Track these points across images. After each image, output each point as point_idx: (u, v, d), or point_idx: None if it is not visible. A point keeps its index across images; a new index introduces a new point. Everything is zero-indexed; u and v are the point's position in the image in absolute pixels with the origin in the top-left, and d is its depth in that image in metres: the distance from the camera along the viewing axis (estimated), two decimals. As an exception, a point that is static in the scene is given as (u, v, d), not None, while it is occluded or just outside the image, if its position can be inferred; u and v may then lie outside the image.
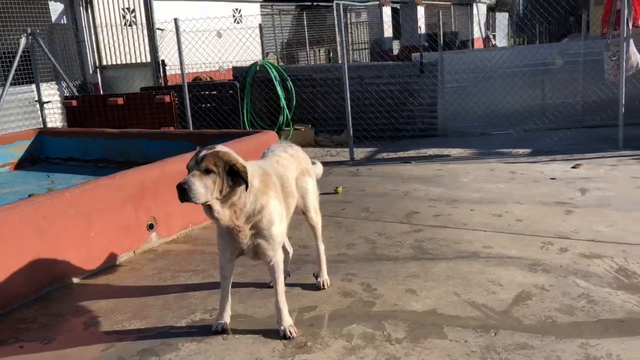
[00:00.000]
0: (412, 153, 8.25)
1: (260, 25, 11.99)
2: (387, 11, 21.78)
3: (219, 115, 9.53)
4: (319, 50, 22.27)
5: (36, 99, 9.62)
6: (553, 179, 6.39)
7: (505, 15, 34.61)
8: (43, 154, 8.65)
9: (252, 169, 3.18)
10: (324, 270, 4.03)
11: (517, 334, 3.20)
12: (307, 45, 19.10)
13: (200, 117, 9.59)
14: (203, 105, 9.59)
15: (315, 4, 22.29)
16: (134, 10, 11.38)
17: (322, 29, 21.08)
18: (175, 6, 12.55)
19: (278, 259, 3.35)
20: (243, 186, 3.05)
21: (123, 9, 11.46)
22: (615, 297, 3.55)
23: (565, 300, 3.55)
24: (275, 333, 3.36)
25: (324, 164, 7.87)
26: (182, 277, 4.38)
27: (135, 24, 11.30)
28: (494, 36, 31.54)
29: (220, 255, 3.42)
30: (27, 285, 4.06)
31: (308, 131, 9.71)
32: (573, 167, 6.77)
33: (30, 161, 8.53)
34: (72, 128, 8.87)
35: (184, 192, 2.92)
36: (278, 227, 3.31)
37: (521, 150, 7.85)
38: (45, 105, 9.64)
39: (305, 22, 19.98)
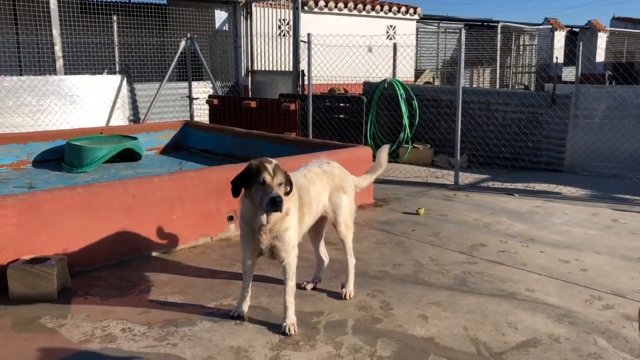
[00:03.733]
0: (520, 185, 7.98)
1: (395, 45, 12.20)
2: (559, 36, 20.61)
3: (343, 126, 10.02)
4: (483, 70, 21.84)
5: (188, 94, 10.99)
6: (654, 233, 5.85)
7: None
8: (185, 143, 9.88)
9: None
10: (351, 282, 4.29)
11: (497, 377, 3.19)
12: (461, 64, 18.81)
13: (326, 126, 10.16)
14: (330, 116, 10.14)
15: (484, 24, 21.90)
16: (289, 22, 12.35)
17: (485, 49, 20.64)
18: (330, 20, 13.36)
19: (290, 261, 3.70)
20: None
21: (279, 20, 12.50)
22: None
23: (571, 356, 3.42)
24: (280, 328, 3.72)
25: (426, 184, 8.07)
26: (237, 265, 4.90)
27: (289, 34, 12.24)
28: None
29: (243, 253, 3.82)
30: (110, 251, 4.87)
31: (426, 150, 9.79)
32: (688, 225, 6.10)
33: (174, 148, 9.80)
34: (210, 123, 9.99)
35: (278, 205, 3.28)
36: (293, 232, 3.68)
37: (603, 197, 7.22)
38: (194, 101, 10.97)
39: (462, 41, 19.70)
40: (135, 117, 11.18)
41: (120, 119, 10.95)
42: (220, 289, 4.41)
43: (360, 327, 3.77)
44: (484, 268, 4.87)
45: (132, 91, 11.18)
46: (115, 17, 10.79)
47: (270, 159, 3.49)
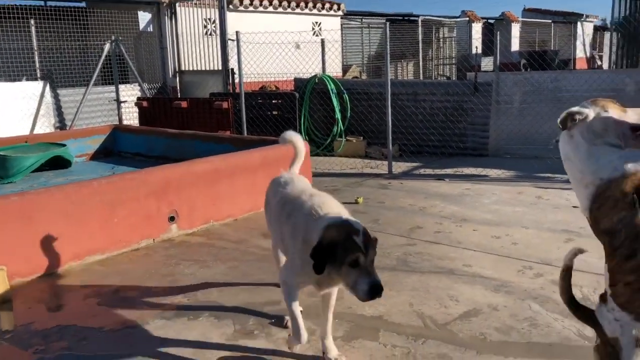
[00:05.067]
0: (449, 171, 8.36)
1: (323, 40, 12.42)
2: (476, 27, 21.52)
3: (277, 123, 10.11)
4: (407, 63, 22.47)
5: (115, 98, 10.75)
6: (575, 207, 6.30)
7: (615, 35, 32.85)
8: (116, 148, 9.66)
9: None
10: None
11: (444, 345, 3.40)
12: (388, 58, 19.29)
13: (260, 123, 10.21)
14: (263, 113, 10.20)
15: (405, 18, 22.51)
16: (214, 21, 12.29)
17: (411, 43, 21.23)
18: (256, 18, 13.39)
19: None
20: None
21: (205, 19, 12.42)
22: (559, 323, 3.63)
23: (509, 321, 3.68)
24: (231, 320, 3.78)
25: (362, 175, 8.30)
26: (182, 264, 4.92)
27: (215, 34, 12.19)
28: (601, 57, 30.08)
29: (294, 288, 3.10)
30: (51, 259, 4.75)
31: (360, 143, 10.04)
32: (603, 197, 6.61)
33: (104, 153, 9.57)
34: (140, 126, 9.82)
35: (380, 294, 2.62)
36: None
37: (560, 176, 7.72)
38: (122, 105, 10.75)
39: (387, 36, 20.23)
40: (61, 124, 10.80)
41: (46, 126, 10.55)
42: (169, 287, 4.42)
43: (312, 312, 3.88)
44: (422, 248, 5.12)
45: (56, 97, 10.80)
46: (32, 21, 10.38)
47: (356, 223, 2.76)
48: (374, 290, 2.58)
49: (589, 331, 3.52)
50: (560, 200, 6.59)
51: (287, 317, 3.48)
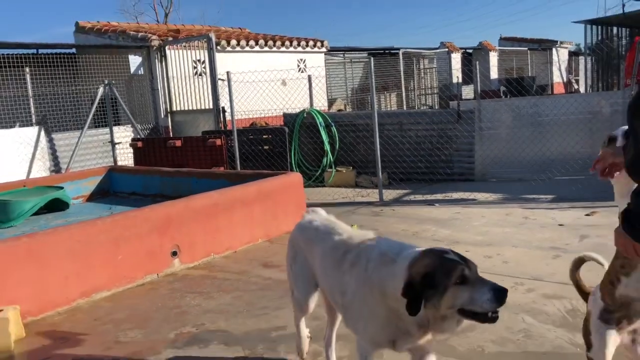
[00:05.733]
0: (439, 196, 8.63)
1: (309, 77, 12.81)
2: (456, 57, 22.16)
3: (269, 157, 10.38)
4: (390, 95, 23.00)
5: (109, 140, 10.99)
6: (561, 225, 6.58)
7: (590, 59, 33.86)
8: (112, 189, 9.85)
9: None
10: None
11: (444, 359, 3.59)
12: (373, 90, 19.80)
13: (253, 158, 10.48)
14: (255, 148, 10.47)
15: (387, 52, 23.12)
16: (204, 62, 12.64)
17: (392, 74, 21.78)
18: (243, 57, 13.78)
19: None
20: None
21: (194, 61, 12.78)
22: (552, 333, 3.85)
23: (504, 334, 3.89)
24: (240, 346, 3.95)
25: (354, 204, 8.54)
26: (188, 297, 5.08)
27: (205, 74, 12.53)
28: (577, 80, 30.94)
29: (374, 346, 2.71)
30: (60, 296, 4.91)
31: (349, 173, 10.32)
32: (587, 215, 6.91)
33: (101, 194, 9.74)
34: (136, 166, 10.04)
35: (506, 293, 2.29)
36: None
37: (545, 197, 8.02)
38: (117, 146, 10.99)
39: (372, 69, 20.76)
40: (56, 168, 10.98)
41: (42, 170, 10.73)
42: (177, 319, 4.58)
43: (317, 336, 4.07)
44: (418, 271, 5.32)
45: (51, 141, 11.01)
46: (27, 69, 10.65)
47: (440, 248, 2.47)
48: (500, 293, 2.25)
49: (579, 339, 3.76)
50: (547, 220, 6.86)
51: None
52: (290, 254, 3.43)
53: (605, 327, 2.68)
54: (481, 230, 6.63)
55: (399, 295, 2.36)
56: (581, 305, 4.23)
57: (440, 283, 2.27)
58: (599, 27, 21.05)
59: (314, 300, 3.37)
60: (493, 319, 2.29)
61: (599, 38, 21.05)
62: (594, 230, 6.25)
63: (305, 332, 3.66)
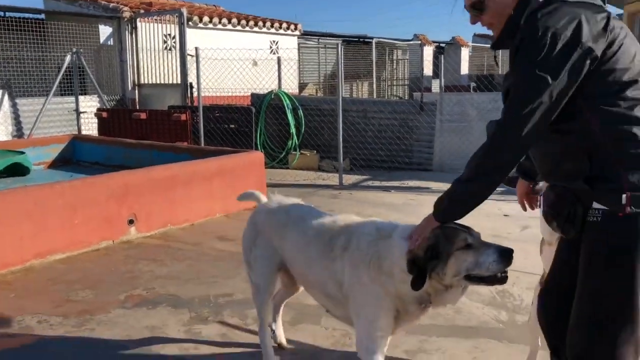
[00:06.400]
0: (396, 183, 8.91)
1: (279, 58, 12.94)
2: (428, 51, 22.47)
3: (235, 136, 10.50)
4: (362, 84, 23.22)
5: (75, 109, 10.95)
6: (506, 215, 6.91)
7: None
8: (75, 157, 9.85)
9: None
10: None
11: (377, 328, 3.84)
12: (342, 78, 19.99)
13: (218, 136, 10.58)
14: (221, 126, 10.58)
15: (360, 40, 23.30)
16: (174, 37, 12.64)
17: (365, 63, 21.98)
18: (215, 35, 13.79)
19: None
20: None
21: (165, 35, 12.75)
22: (480, 310, 4.14)
23: (439, 309, 4.15)
24: (187, 309, 4.14)
25: (314, 186, 8.76)
26: (141, 263, 5.23)
27: (175, 49, 12.53)
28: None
29: (379, 337, 2.53)
30: (14, 256, 5.00)
31: (313, 156, 10.52)
32: (532, 207, 7.25)
33: (63, 162, 9.74)
34: (100, 136, 10.05)
35: (512, 253, 2.23)
36: None
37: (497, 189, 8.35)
38: (82, 115, 10.96)
39: (340, 56, 20.90)
40: (19, 133, 10.89)
41: (3, 134, 10.63)
42: (129, 282, 4.74)
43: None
44: (366, 250, 5.57)
45: (14, 106, 10.91)
46: (-9, 31, 10.52)
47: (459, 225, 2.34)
48: (506, 253, 2.20)
49: (504, 316, 4.08)
50: (493, 210, 7.19)
51: None
52: (250, 236, 3.20)
53: None
54: (431, 216, 6.90)
55: (396, 271, 2.35)
56: (511, 288, 4.56)
57: (443, 251, 2.22)
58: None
59: (275, 285, 3.22)
60: (503, 279, 2.23)
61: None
62: (535, 221, 6.56)
63: (272, 346, 3.31)
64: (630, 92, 1.99)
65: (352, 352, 3.54)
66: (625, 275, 2.04)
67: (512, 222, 6.61)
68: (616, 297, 2.06)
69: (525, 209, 2.85)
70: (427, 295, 2.36)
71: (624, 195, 1.96)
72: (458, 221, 2.32)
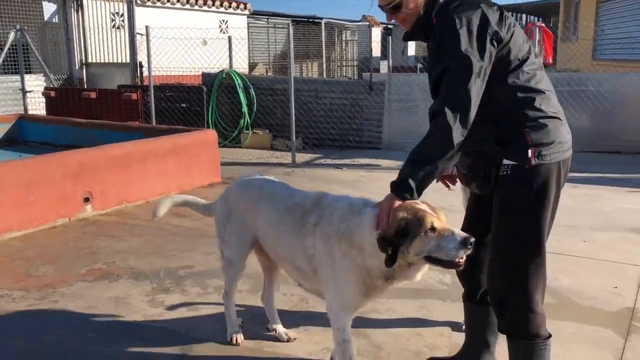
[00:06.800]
0: (347, 161, 9.20)
1: (230, 38, 12.95)
2: (376, 32, 22.79)
3: (187, 115, 10.52)
4: (312, 64, 23.36)
5: (20, 87, 10.70)
6: (451, 189, 7.29)
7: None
8: (21, 137, 9.66)
9: None
10: None
11: (332, 293, 4.10)
12: (292, 56, 20.07)
13: (170, 115, 10.57)
14: (172, 105, 10.57)
15: (310, 20, 23.38)
16: (122, 15, 12.44)
17: (315, 44, 22.11)
18: (163, 13, 13.64)
19: None
20: None
21: (112, 13, 12.54)
22: (426, 274, 4.44)
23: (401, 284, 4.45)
24: (149, 280, 4.29)
25: (267, 164, 8.93)
26: (99, 239, 5.32)
27: (123, 27, 12.35)
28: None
29: (348, 309, 2.72)
30: (-31, 233, 5.01)
31: (265, 135, 10.67)
32: (474, 182, 7.67)
33: (10, 142, 9.54)
34: (47, 116, 9.89)
35: (471, 240, 2.32)
36: None
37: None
38: (28, 94, 10.72)
39: (291, 36, 20.97)
40: (-40, 112, 10.58)
41: (-56, 114, 10.31)
42: (88, 257, 4.83)
43: (221, 273, 4.47)
44: (319, 223, 5.82)
45: (-45, 85, 10.58)
46: None
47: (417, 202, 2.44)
48: (465, 241, 2.30)
49: (447, 279, 4.41)
50: (439, 185, 7.55)
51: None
52: (223, 212, 3.25)
53: None
54: (379, 191, 7.16)
55: (366, 245, 2.47)
56: (454, 254, 4.90)
57: (411, 231, 2.32)
58: (510, 13, 22.26)
59: (245, 261, 3.31)
60: (458, 265, 2.36)
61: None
62: (478, 195, 6.99)
63: (236, 315, 3.47)
64: (526, 67, 2.40)
65: (312, 312, 3.82)
66: (534, 220, 2.41)
67: (456, 195, 6.96)
68: (527, 241, 2.43)
69: (449, 187, 3.30)
70: (392, 271, 2.48)
71: (529, 150, 2.35)
72: (419, 198, 2.45)
